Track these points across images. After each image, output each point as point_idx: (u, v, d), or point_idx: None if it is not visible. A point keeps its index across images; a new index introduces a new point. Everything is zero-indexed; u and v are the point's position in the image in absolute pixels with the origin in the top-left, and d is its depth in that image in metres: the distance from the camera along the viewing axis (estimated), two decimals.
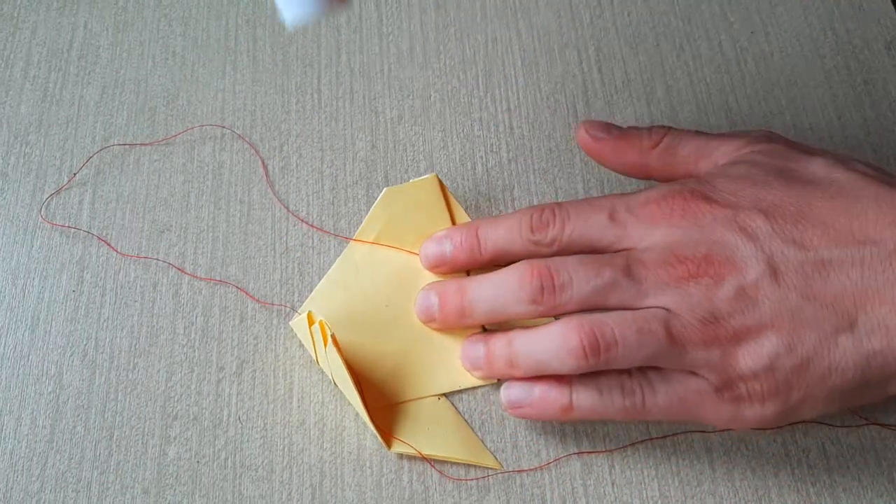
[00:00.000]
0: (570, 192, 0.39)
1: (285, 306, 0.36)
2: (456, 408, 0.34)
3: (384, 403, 0.34)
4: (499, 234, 0.33)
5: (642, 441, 0.34)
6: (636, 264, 0.30)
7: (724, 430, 0.33)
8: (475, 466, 0.33)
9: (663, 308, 0.29)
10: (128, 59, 0.42)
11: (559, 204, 0.33)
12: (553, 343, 0.30)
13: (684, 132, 0.34)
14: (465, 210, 0.36)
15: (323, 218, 0.38)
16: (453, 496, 0.33)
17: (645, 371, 0.31)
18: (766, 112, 0.41)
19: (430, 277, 0.36)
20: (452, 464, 0.33)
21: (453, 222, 0.36)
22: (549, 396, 0.32)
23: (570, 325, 0.30)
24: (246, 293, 0.36)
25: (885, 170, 0.31)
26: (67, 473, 0.33)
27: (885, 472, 0.33)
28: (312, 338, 0.34)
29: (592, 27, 0.43)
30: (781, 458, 0.33)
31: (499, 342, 0.33)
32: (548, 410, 0.32)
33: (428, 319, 0.35)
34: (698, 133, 0.34)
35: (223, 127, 0.40)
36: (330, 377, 0.34)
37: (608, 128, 0.35)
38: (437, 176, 0.36)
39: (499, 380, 0.34)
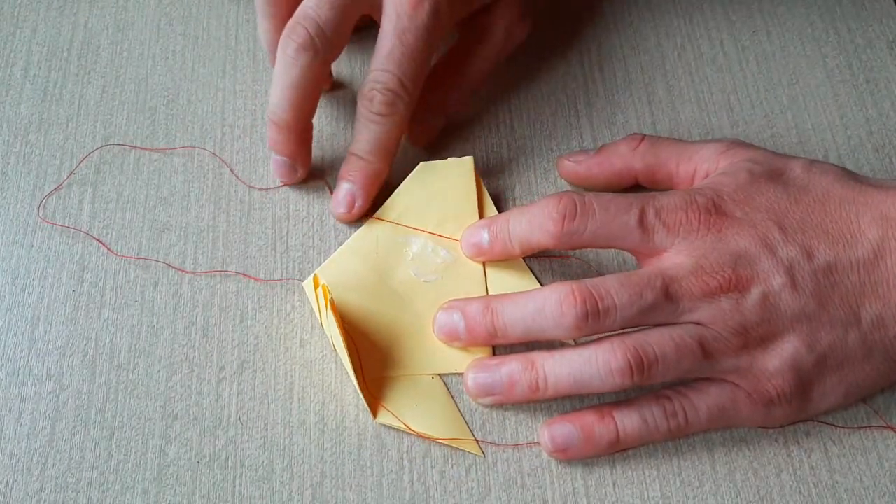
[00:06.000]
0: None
1: (290, 280, 0.36)
2: (448, 389, 0.34)
3: (380, 374, 0.34)
4: (523, 227, 0.34)
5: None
6: (672, 283, 0.31)
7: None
8: (458, 450, 0.33)
9: (696, 322, 0.31)
10: (128, 59, 0.42)
11: (583, 196, 0.33)
12: (593, 365, 0.31)
13: (659, 137, 0.37)
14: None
15: (324, 217, 0.38)
16: (454, 496, 0.33)
17: (682, 391, 0.32)
18: (767, 111, 0.41)
19: (447, 264, 0.36)
20: (436, 443, 0.33)
21: (480, 210, 0.37)
22: (595, 434, 0.32)
23: (614, 347, 0.31)
24: (247, 276, 0.36)
25: (846, 168, 0.34)
26: (67, 474, 0.33)
27: (888, 472, 0.33)
28: (317, 300, 0.34)
29: (592, 27, 0.43)
30: (784, 458, 0.33)
31: (517, 365, 0.32)
32: (597, 448, 0.32)
33: (450, 340, 0.34)
34: (673, 139, 0.37)
35: (224, 126, 0.40)
36: (330, 341, 0.35)
37: (585, 151, 0.38)
38: (473, 159, 0.37)
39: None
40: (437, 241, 0.37)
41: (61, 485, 0.33)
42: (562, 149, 0.40)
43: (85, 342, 0.35)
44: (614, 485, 0.33)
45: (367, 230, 0.37)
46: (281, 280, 0.37)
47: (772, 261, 0.31)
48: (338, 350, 0.34)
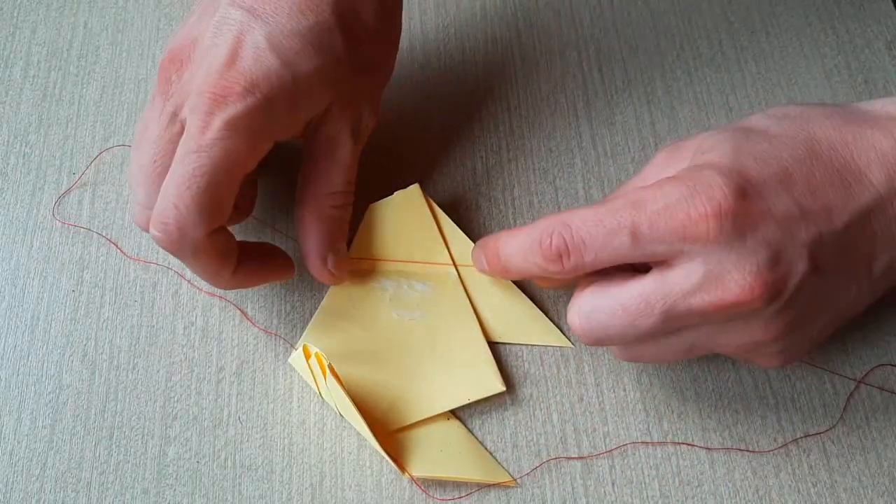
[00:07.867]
0: (569, 191, 0.39)
1: (276, 334, 0.36)
2: (468, 428, 0.34)
3: (393, 429, 0.33)
4: (517, 260, 0.31)
5: (643, 441, 0.34)
6: (679, 304, 0.27)
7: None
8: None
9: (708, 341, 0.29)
10: (128, 59, 0.42)
11: (567, 226, 0.29)
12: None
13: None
14: (454, 215, 0.37)
15: None
16: (453, 496, 0.33)
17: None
18: None
19: (427, 296, 0.36)
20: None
21: (440, 229, 0.36)
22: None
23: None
24: (244, 315, 0.36)
25: (798, 102, 0.31)
26: (67, 473, 0.33)
27: (886, 471, 0.33)
28: (311, 371, 0.33)
29: (592, 27, 0.43)
30: (782, 457, 0.33)
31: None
32: None
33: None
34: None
35: None
36: (335, 409, 0.34)
37: None
38: (419, 185, 0.37)
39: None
40: (411, 275, 0.36)
41: (61, 484, 0.33)
42: (561, 149, 0.40)
43: (85, 342, 0.35)
44: (613, 485, 0.33)
45: (337, 286, 0.36)
46: (273, 333, 0.37)
47: (794, 248, 0.27)
48: (347, 416, 0.33)
